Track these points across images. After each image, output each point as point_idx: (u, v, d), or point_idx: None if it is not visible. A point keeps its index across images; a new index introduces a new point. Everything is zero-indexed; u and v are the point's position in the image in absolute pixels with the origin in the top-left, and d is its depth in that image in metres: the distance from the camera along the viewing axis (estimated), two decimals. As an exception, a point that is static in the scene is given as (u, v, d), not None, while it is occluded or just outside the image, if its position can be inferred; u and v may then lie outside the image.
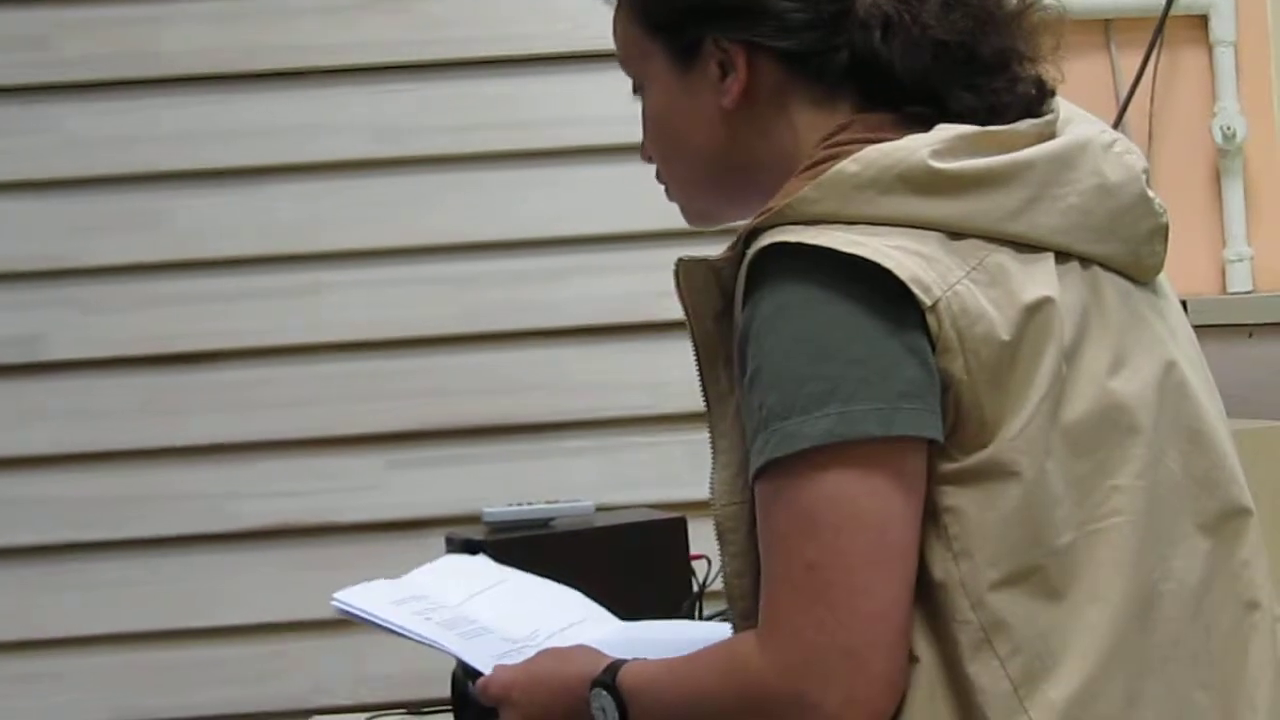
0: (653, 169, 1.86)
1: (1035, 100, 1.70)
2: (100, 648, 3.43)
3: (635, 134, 1.86)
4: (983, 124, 1.66)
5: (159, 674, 3.43)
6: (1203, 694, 1.63)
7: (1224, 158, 3.66)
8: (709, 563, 2.48)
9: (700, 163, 1.78)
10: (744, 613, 1.64)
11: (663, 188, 1.85)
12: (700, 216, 1.82)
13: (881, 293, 1.55)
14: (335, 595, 2.03)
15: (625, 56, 1.83)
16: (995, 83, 1.68)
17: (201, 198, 3.44)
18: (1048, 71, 1.72)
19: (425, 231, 3.46)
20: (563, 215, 3.46)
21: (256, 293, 3.44)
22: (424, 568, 2.18)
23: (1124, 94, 3.58)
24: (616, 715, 1.69)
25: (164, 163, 3.43)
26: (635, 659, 1.72)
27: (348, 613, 2.02)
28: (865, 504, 1.54)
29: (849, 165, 1.59)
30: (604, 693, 1.70)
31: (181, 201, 3.44)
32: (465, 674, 1.96)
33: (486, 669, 1.87)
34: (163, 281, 3.44)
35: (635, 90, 1.83)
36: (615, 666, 1.71)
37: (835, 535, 1.54)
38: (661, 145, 1.81)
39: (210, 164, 3.44)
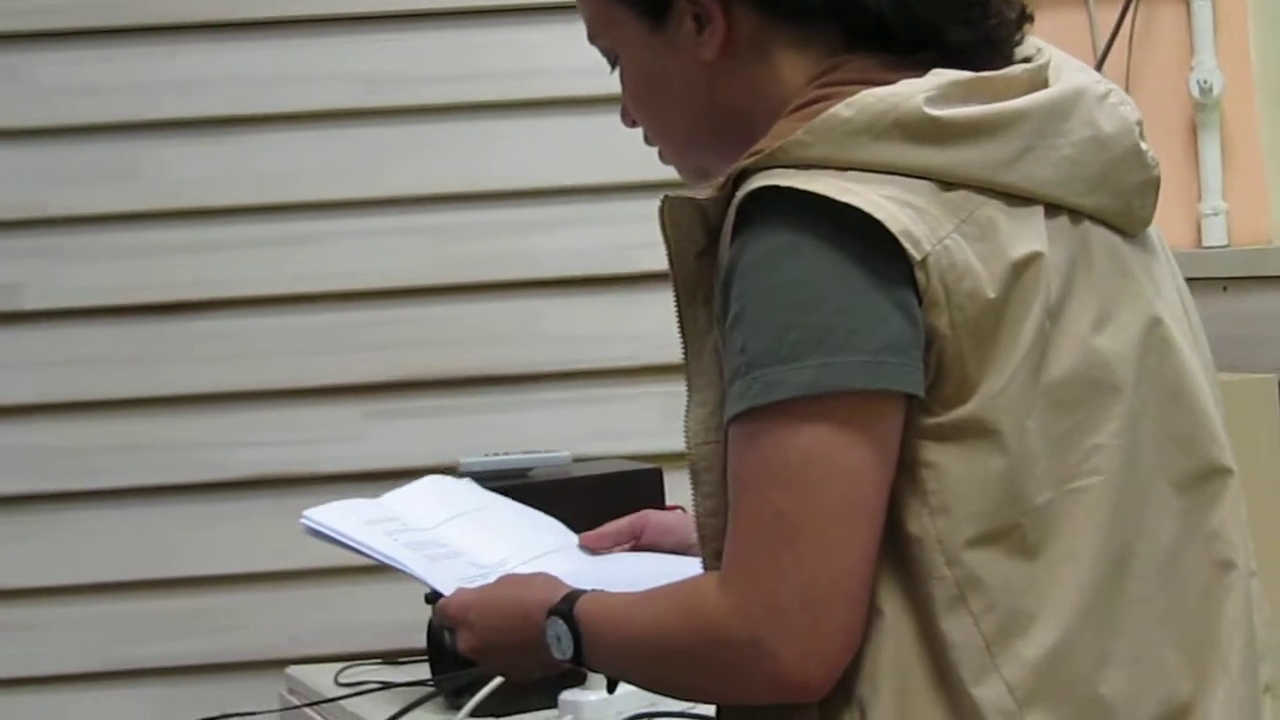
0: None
1: (1018, 28, 1.69)
2: (77, 598, 3.42)
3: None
4: (981, 58, 1.64)
5: (136, 624, 3.43)
6: (1175, 654, 1.62)
7: (1201, 112, 3.66)
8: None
9: (688, 119, 1.75)
10: (715, 553, 1.61)
11: (655, 150, 1.82)
12: (696, 174, 1.77)
13: (871, 243, 1.53)
14: (305, 513, 2.01)
15: (594, 30, 1.79)
16: (986, 15, 1.66)
17: (180, 147, 3.43)
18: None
19: (406, 182, 3.45)
20: (543, 166, 3.45)
21: (235, 243, 3.43)
22: (406, 488, 2.15)
23: (1101, 48, 3.58)
24: (571, 643, 1.67)
25: (143, 112, 3.42)
26: (595, 590, 1.71)
27: (315, 531, 2.00)
28: (842, 457, 1.53)
29: (843, 110, 1.56)
30: (560, 621, 1.68)
31: (160, 151, 3.43)
32: (433, 597, 1.95)
33: (448, 591, 1.86)
34: (141, 231, 3.43)
35: (611, 64, 1.79)
36: (573, 596, 1.70)
37: (808, 486, 1.53)
38: (647, 109, 1.78)
39: (189, 113, 3.43)
